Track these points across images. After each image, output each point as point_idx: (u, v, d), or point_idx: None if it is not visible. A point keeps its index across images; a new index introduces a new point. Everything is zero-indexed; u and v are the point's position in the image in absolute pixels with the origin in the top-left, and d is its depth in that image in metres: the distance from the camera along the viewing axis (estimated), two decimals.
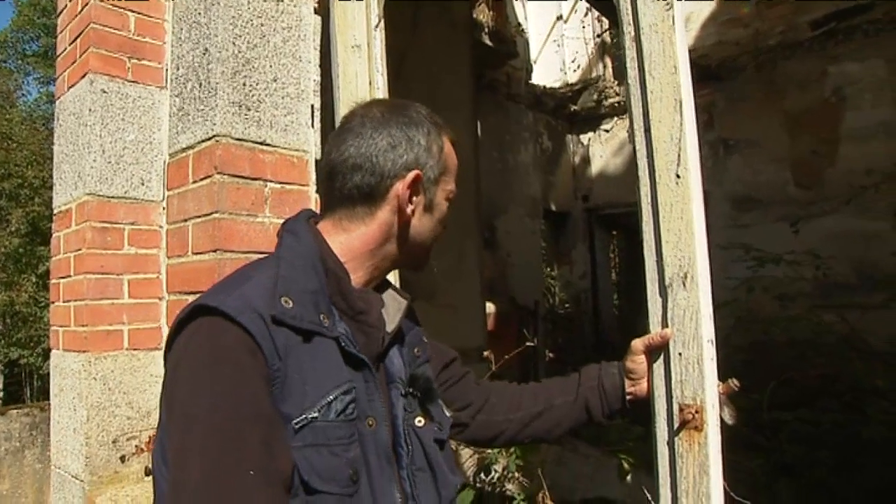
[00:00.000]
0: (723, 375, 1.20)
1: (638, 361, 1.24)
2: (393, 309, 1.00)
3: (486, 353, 2.81)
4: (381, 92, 1.83)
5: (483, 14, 6.84)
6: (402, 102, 1.00)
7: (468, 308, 3.91)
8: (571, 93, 8.12)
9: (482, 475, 2.65)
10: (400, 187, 0.92)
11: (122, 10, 2.22)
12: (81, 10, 2.25)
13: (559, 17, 8.41)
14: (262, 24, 1.62)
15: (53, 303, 2.32)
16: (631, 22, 1.29)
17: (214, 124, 1.51)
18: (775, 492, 2.82)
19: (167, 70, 2.20)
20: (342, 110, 1.81)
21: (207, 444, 0.73)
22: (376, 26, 1.84)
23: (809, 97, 5.80)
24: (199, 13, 1.62)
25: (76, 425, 2.07)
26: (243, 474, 0.71)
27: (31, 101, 18.27)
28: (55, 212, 2.35)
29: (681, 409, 1.18)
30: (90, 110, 2.15)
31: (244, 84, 1.55)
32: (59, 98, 2.39)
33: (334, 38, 1.82)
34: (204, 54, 1.60)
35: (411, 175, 0.92)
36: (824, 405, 3.31)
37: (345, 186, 0.93)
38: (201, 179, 1.55)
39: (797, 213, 5.46)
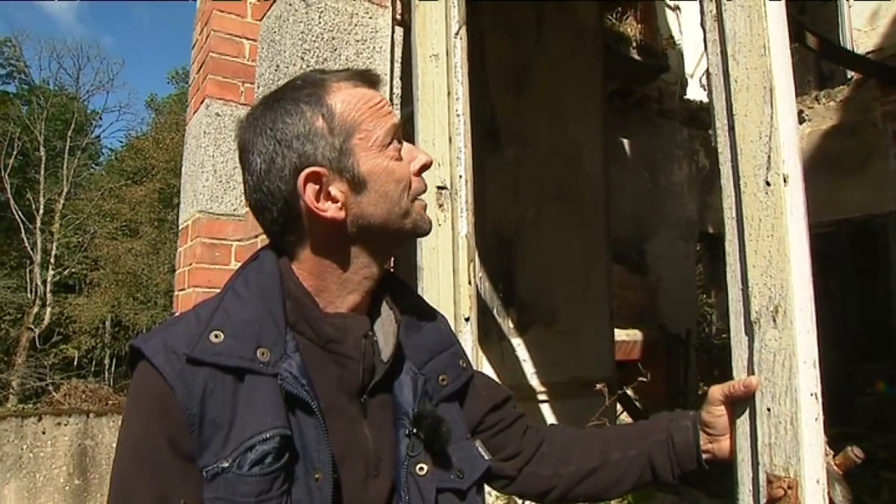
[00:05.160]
0: None
1: (716, 414, 0.99)
2: (389, 333, 0.86)
3: (599, 386, 2.55)
4: (461, 102, 1.73)
5: (631, 27, 6.50)
6: (270, 95, 0.83)
7: (594, 335, 3.62)
8: None
9: None
10: (307, 200, 0.77)
11: (238, 38, 2.36)
12: (205, 42, 2.42)
13: None
14: (333, 38, 1.60)
15: (173, 313, 2.49)
16: None
17: None
18: None
19: None
20: (420, 123, 1.75)
21: (112, 490, 0.74)
22: (456, 34, 1.74)
23: None
24: (274, 31, 1.64)
25: None
26: None
27: None
28: (179, 229, 2.53)
29: (769, 482, 0.93)
30: (205, 133, 2.29)
31: None
32: (187, 125, 2.58)
33: (415, 49, 1.76)
34: (276, 71, 1.61)
35: (301, 178, 0.76)
36: None
37: (267, 227, 0.83)
38: None
39: None
